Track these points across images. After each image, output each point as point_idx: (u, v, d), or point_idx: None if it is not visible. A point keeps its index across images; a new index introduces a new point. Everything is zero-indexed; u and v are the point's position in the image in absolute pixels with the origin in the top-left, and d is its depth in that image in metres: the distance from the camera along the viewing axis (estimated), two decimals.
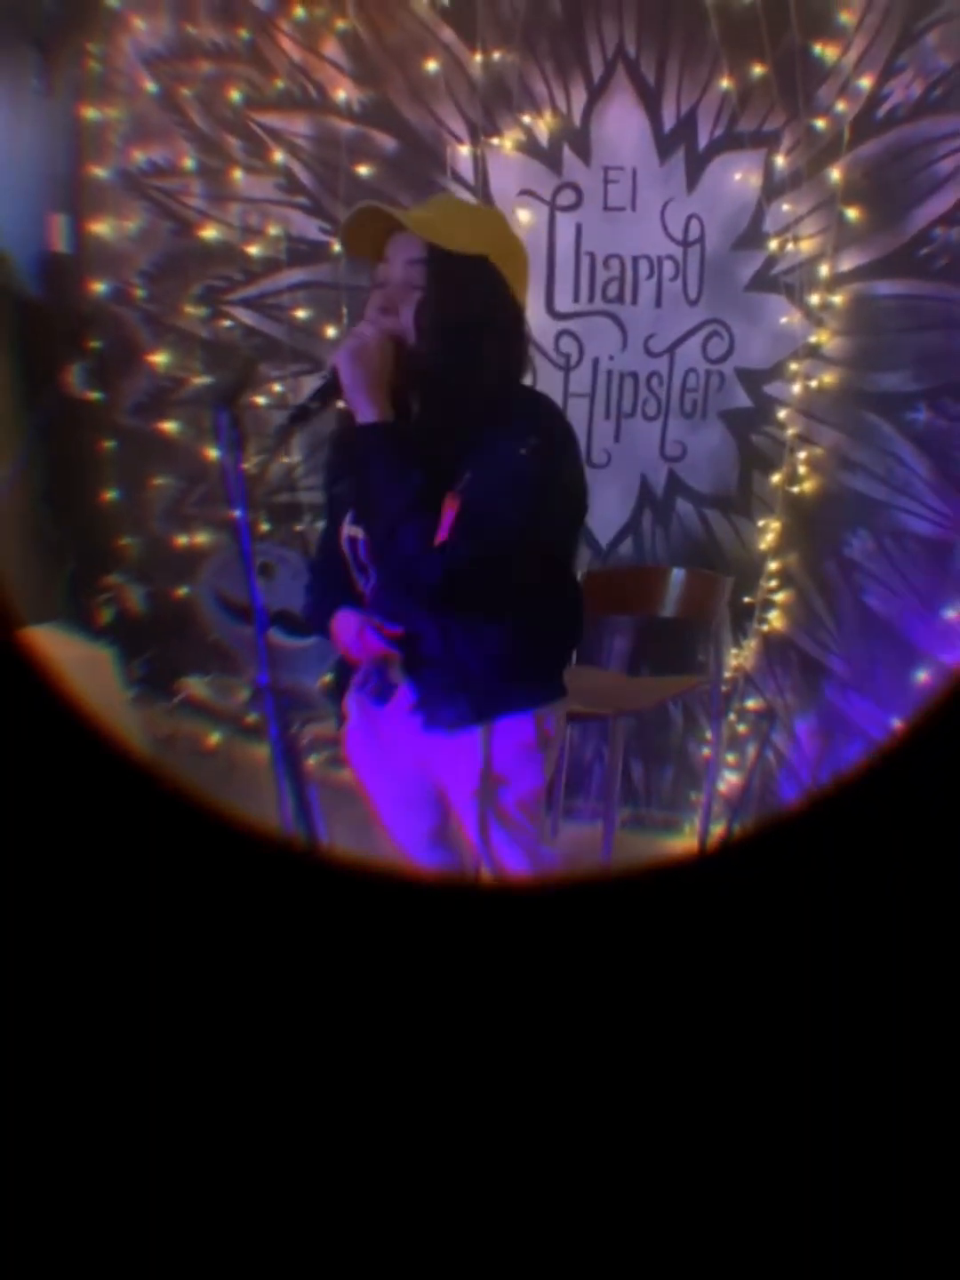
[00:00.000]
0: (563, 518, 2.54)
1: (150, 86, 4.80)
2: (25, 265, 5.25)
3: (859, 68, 3.81)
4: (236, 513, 2.34)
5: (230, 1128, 1.50)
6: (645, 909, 1.60)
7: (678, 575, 4.23)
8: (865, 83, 3.80)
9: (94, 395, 5.16)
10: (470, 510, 2.36)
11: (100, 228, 5.04)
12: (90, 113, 4.94)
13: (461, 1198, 1.50)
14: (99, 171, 5.00)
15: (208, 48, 4.74)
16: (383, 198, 4.37)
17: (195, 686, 4.83)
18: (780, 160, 3.96)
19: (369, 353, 2.39)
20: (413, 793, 2.75)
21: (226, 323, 4.85)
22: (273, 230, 4.72)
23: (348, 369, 2.40)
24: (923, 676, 3.98)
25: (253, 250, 4.76)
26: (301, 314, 4.72)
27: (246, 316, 4.82)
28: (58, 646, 4.57)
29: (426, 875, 2.77)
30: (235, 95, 4.69)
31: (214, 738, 4.80)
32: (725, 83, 3.98)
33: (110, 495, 5.19)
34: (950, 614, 3.94)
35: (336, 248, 4.52)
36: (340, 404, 2.49)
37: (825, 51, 3.84)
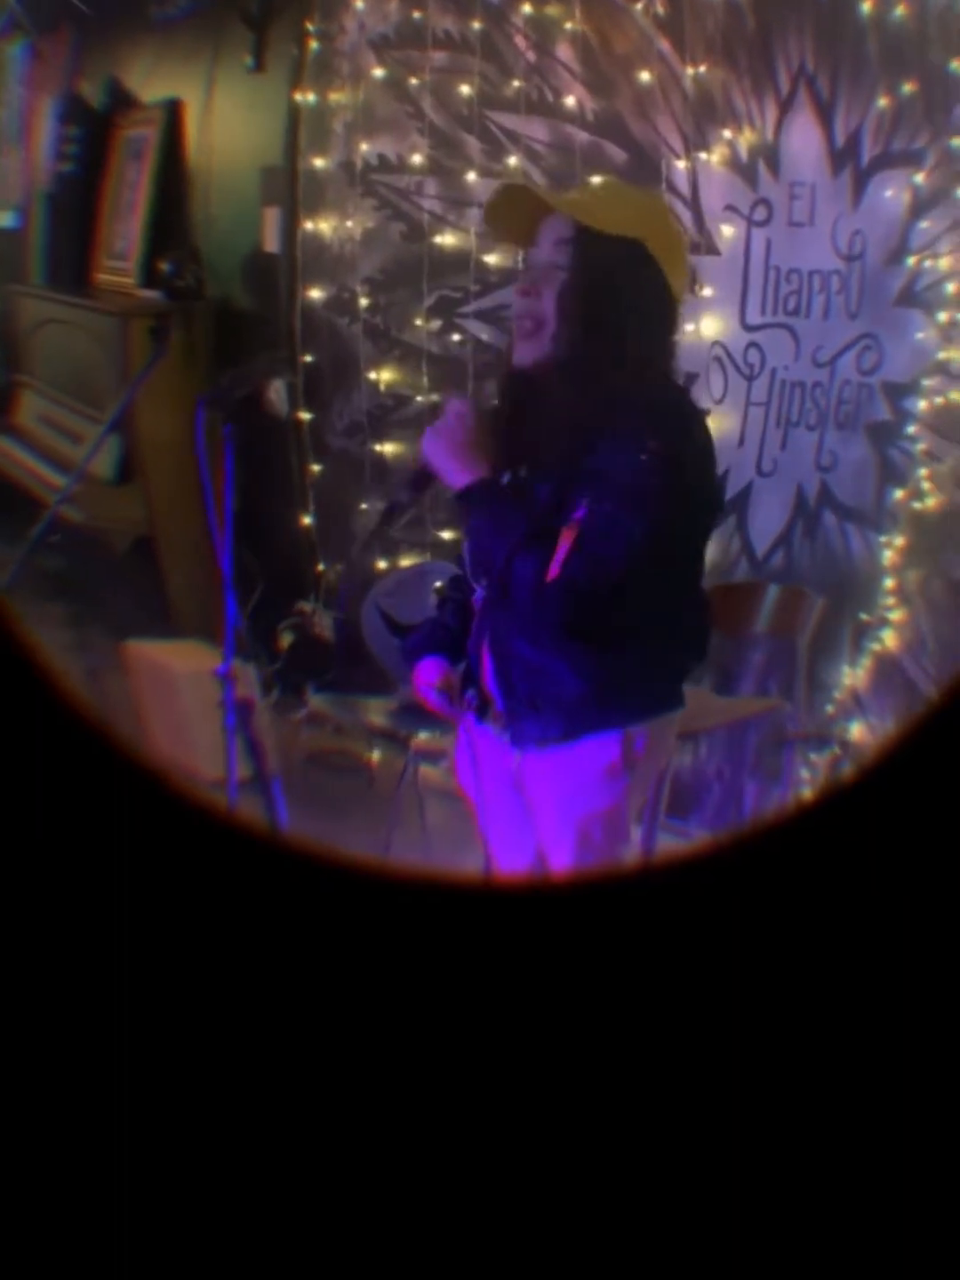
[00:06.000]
0: (687, 527, 2.33)
1: (378, 72, 4.49)
2: (231, 266, 5.06)
3: None
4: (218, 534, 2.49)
5: (228, 1126, 1.48)
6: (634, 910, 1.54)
7: (771, 592, 4.17)
8: None
9: (302, 415, 4.86)
10: (586, 538, 2.20)
11: (320, 226, 4.64)
12: (308, 97, 4.54)
13: (451, 1198, 1.46)
14: (319, 162, 4.60)
15: (440, 36, 4.46)
16: None
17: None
18: (920, 178, 3.98)
19: (450, 426, 2.31)
20: (513, 815, 2.57)
21: (455, 336, 4.60)
22: None
23: (431, 447, 2.33)
24: None
25: (490, 258, 4.53)
26: None
27: (481, 331, 4.59)
28: (197, 658, 4.50)
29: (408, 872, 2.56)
30: (467, 91, 4.41)
31: (372, 755, 4.57)
32: (883, 101, 4.04)
33: (307, 520, 4.93)
34: None
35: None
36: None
37: None
